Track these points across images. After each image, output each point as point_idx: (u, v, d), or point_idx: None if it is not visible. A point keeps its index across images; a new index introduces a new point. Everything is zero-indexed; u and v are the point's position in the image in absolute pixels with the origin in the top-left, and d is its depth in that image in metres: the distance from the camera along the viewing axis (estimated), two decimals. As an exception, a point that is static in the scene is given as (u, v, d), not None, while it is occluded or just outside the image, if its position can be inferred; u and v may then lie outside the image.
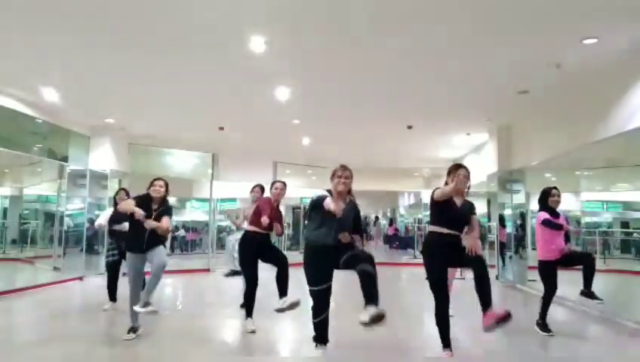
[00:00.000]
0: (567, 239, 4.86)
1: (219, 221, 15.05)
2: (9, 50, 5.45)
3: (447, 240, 3.59)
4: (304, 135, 10.06)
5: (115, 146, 9.45)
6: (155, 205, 4.30)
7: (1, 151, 7.24)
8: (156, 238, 4.29)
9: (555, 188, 4.79)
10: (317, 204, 3.43)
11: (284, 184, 4.94)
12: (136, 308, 4.21)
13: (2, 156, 7.62)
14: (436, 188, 3.68)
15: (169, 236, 4.40)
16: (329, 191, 3.55)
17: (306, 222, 3.70)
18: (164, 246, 4.48)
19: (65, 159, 8.76)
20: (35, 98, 7.25)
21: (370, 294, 3.20)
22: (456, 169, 3.68)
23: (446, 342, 3.61)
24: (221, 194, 12.10)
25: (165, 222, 4.26)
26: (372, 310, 3.11)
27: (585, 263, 4.63)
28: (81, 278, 8.31)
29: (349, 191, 3.65)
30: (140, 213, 4.16)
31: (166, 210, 4.36)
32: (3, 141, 7.32)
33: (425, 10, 4.38)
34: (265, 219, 4.47)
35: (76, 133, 8.88)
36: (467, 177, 3.66)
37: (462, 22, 4.58)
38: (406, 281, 10.01)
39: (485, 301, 3.40)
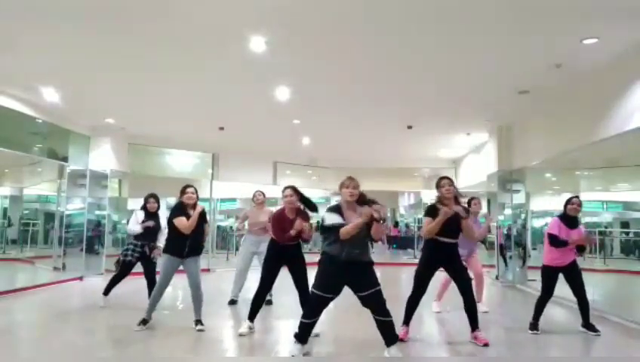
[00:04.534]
0: (579, 249, 4.85)
1: (219, 221, 15.07)
2: (9, 49, 5.44)
3: (443, 246, 4.15)
4: (304, 135, 10.07)
5: (115, 146, 9.46)
6: (190, 211, 4.56)
7: (1, 152, 7.24)
8: (198, 244, 4.62)
9: (576, 196, 4.79)
10: (329, 228, 3.63)
11: (291, 189, 4.54)
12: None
13: (2, 156, 7.62)
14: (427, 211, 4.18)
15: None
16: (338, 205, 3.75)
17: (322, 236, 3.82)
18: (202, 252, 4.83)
19: (65, 159, 8.76)
20: (35, 98, 7.25)
21: (391, 337, 3.64)
22: (440, 180, 4.19)
23: (406, 320, 4.32)
24: (221, 194, 12.11)
25: (206, 228, 4.76)
26: (393, 351, 3.61)
27: (577, 295, 4.67)
28: (81, 278, 8.31)
29: (362, 199, 3.70)
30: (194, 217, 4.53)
31: (201, 215, 4.61)
32: (3, 141, 7.31)
33: (425, 10, 4.39)
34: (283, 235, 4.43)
35: (76, 133, 8.89)
36: (451, 184, 4.15)
37: (462, 22, 4.59)
38: (406, 281, 9.99)
39: (472, 321, 4.16)
